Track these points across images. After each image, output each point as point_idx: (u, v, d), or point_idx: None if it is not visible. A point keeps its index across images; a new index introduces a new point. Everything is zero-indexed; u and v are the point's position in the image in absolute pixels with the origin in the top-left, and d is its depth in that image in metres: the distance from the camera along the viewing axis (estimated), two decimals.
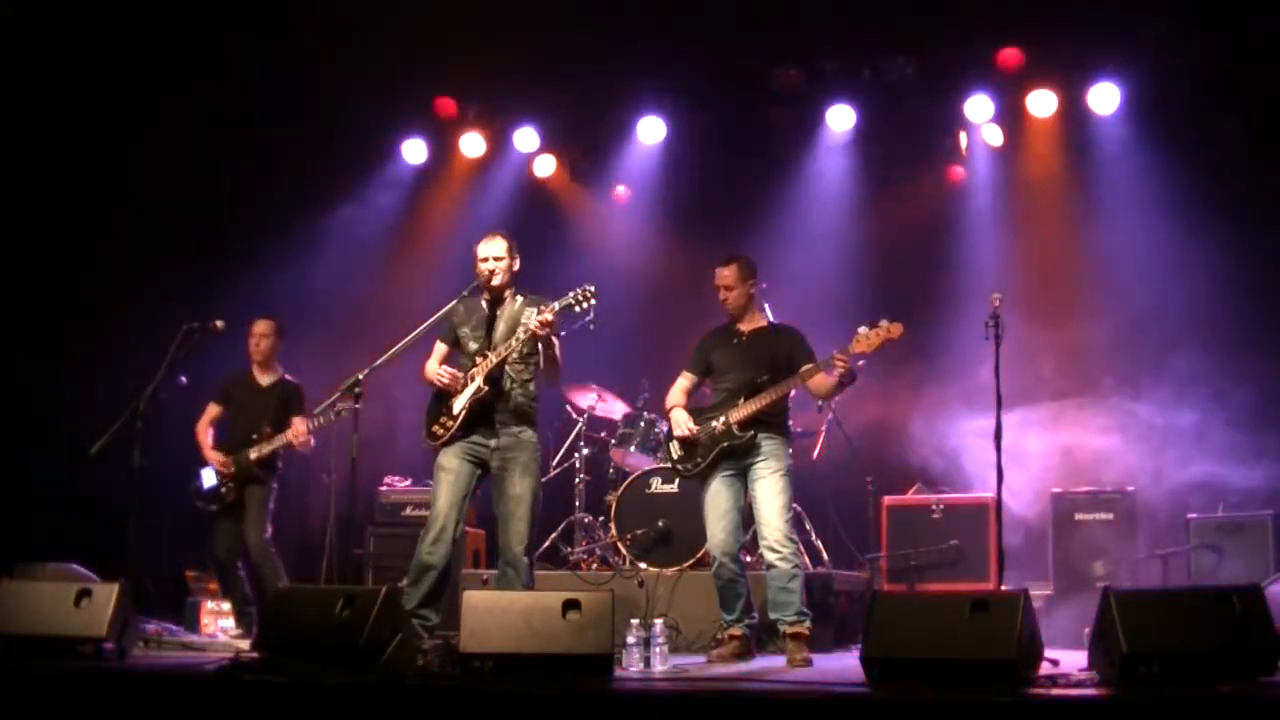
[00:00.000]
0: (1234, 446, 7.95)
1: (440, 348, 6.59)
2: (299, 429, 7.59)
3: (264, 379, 7.95)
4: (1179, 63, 8.76)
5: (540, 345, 6.27)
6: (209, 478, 7.79)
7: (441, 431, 6.39)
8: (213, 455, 7.79)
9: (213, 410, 7.96)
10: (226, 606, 7.95)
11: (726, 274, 6.65)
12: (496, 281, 6.43)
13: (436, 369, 6.47)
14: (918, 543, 8.33)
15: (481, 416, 6.36)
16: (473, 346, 6.46)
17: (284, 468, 7.93)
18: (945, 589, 7.76)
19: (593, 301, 6.20)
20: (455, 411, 6.36)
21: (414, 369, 6.70)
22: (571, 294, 6.22)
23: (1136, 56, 8.91)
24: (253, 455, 7.68)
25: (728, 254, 6.74)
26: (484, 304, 6.53)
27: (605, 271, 9.61)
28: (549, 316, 6.16)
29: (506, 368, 6.36)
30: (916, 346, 8.58)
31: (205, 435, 7.89)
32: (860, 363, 6.64)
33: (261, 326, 7.96)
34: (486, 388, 6.31)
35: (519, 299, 6.50)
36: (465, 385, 6.34)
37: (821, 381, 6.48)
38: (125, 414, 7.04)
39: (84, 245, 9.11)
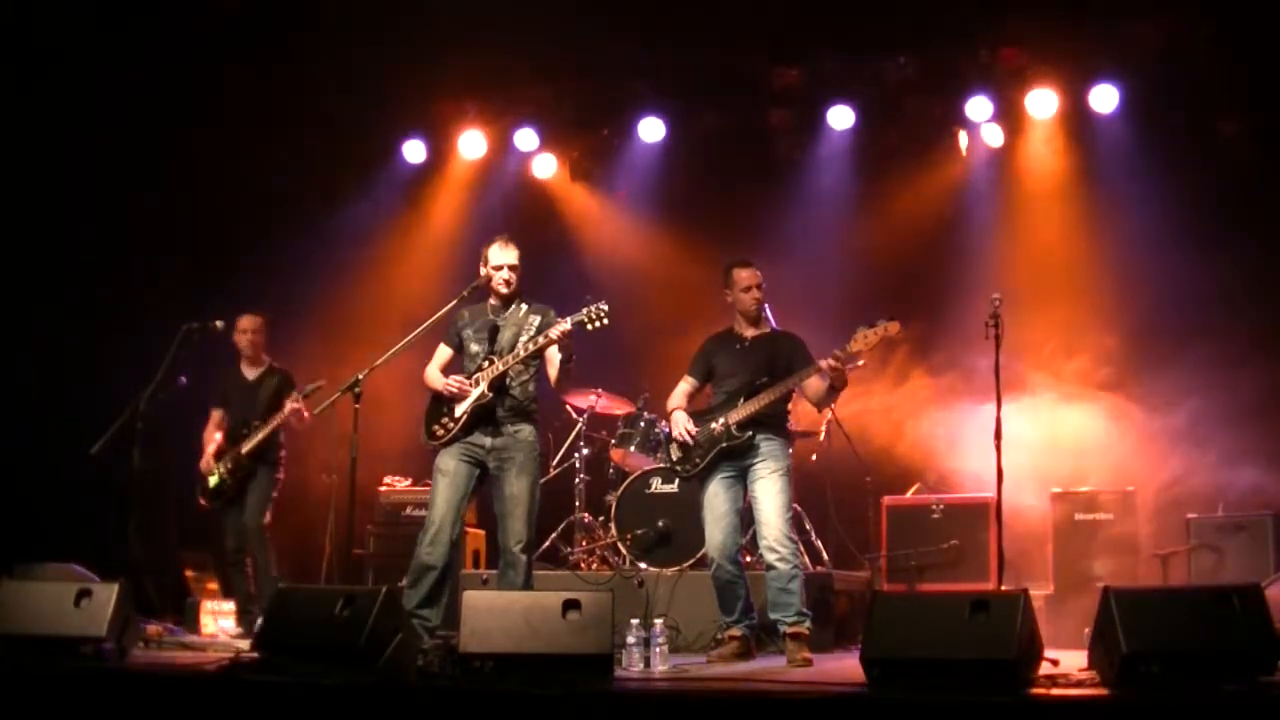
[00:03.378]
0: (1234, 446, 7.94)
1: (444, 351, 6.60)
2: (287, 408, 7.64)
3: (251, 372, 8.01)
4: (1179, 63, 8.76)
5: (559, 354, 6.28)
6: (212, 479, 7.85)
7: (442, 432, 6.41)
8: (207, 463, 7.83)
9: (216, 415, 8.01)
10: (227, 606, 7.95)
11: (755, 275, 6.66)
12: (511, 290, 6.45)
13: (441, 378, 6.47)
14: (918, 543, 8.33)
15: (481, 418, 6.38)
16: (475, 349, 6.47)
17: (285, 455, 7.95)
18: (945, 589, 7.76)
19: (606, 322, 6.18)
20: (457, 414, 6.37)
21: (414, 368, 6.70)
22: (585, 311, 6.19)
23: (1136, 56, 8.90)
24: (244, 449, 7.74)
25: (741, 257, 6.77)
26: (490, 309, 6.54)
27: (605, 271, 9.65)
28: (569, 328, 6.17)
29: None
30: (916, 346, 8.61)
31: (209, 441, 7.92)
32: (860, 362, 6.64)
33: (251, 322, 7.97)
34: (490, 395, 6.33)
35: (524, 306, 6.51)
36: (469, 391, 6.36)
37: (816, 386, 6.48)
38: (125, 414, 7.04)
39: (84, 245, 9.12)
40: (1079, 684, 4.67)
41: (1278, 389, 8.15)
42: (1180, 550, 7.90)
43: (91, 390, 8.24)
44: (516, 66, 9.52)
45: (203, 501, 7.90)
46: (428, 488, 6.88)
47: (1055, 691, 4.54)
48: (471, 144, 10.31)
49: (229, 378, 8.04)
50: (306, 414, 7.67)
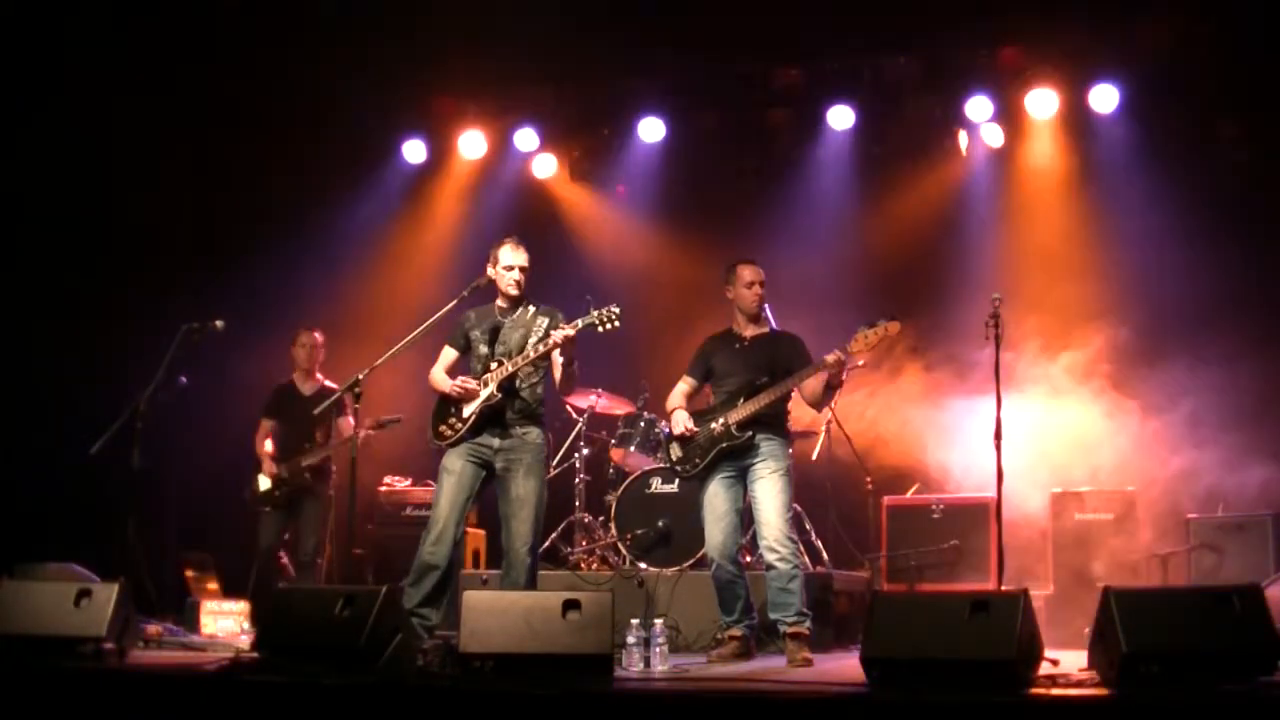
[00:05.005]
0: (1234, 446, 7.94)
1: (449, 353, 6.58)
2: (346, 430, 7.87)
3: (307, 388, 8.29)
4: (1179, 63, 8.76)
5: (560, 358, 6.28)
6: (264, 482, 8.12)
7: (449, 433, 6.40)
8: (269, 467, 8.12)
9: (266, 425, 8.31)
10: (227, 606, 7.95)
11: (758, 273, 6.68)
12: (519, 292, 6.45)
13: (447, 379, 6.46)
14: (918, 543, 8.33)
15: (489, 419, 6.37)
16: (484, 350, 6.46)
17: (335, 471, 8.16)
18: (945, 589, 7.76)
19: (617, 324, 6.18)
20: (465, 415, 6.36)
21: (414, 368, 6.69)
22: (595, 313, 6.19)
23: (1136, 56, 8.91)
24: (304, 462, 8.04)
25: (744, 256, 6.78)
26: (497, 310, 6.53)
27: (605, 271, 9.66)
28: (571, 333, 6.17)
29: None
30: (916, 346, 8.60)
31: (263, 447, 8.22)
32: (860, 361, 6.63)
33: (314, 338, 8.35)
34: (499, 395, 6.32)
35: (531, 307, 6.50)
36: (477, 392, 6.35)
37: (814, 386, 6.48)
38: (125, 414, 7.04)
39: (84, 245, 9.11)
40: (1079, 684, 4.66)
41: (1278, 389, 8.15)
42: (1180, 550, 7.90)
43: (91, 390, 8.24)
44: (516, 66, 9.51)
45: (251, 504, 8.18)
46: (428, 487, 6.90)
47: (1055, 691, 4.54)
48: (471, 144, 10.31)
49: (282, 392, 8.34)
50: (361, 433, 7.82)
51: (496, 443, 6.36)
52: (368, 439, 7.98)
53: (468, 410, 6.36)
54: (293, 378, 8.38)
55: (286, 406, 8.25)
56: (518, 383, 6.38)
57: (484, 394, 6.34)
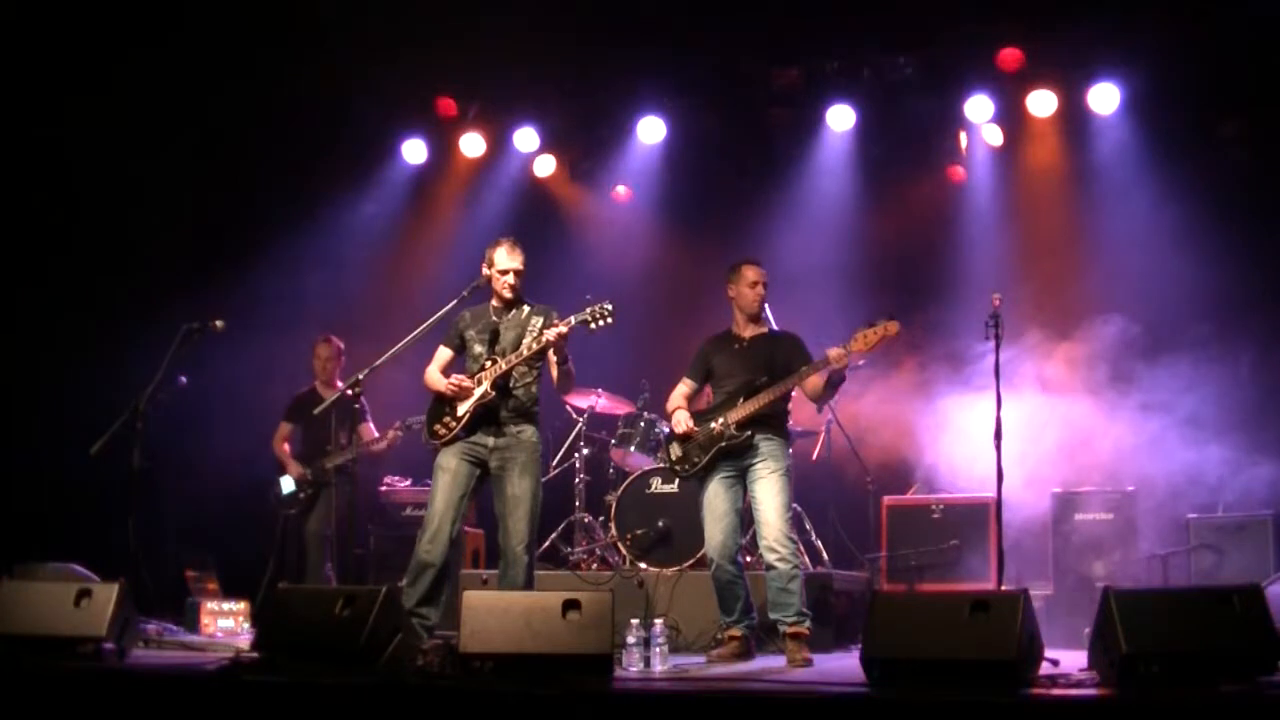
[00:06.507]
0: (1234, 446, 7.94)
1: (444, 353, 6.58)
2: (369, 435, 8.24)
3: (327, 393, 8.43)
4: (1179, 63, 8.76)
5: (554, 356, 6.27)
6: (287, 484, 8.37)
7: (444, 432, 6.40)
8: (294, 467, 8.41)
9: (285, 429, 8.60)
10: (227, 606, 7.97)
11: (761, 273, 6.69)
12: (514, 294, 6.45)
13: (442, 378, 6.46)
14: (918, 543, 8.33)
15: (484, 418, 6.37)
16: (478, 349, 6.46)
17: (361, 469, 8.15)
18: (945, 589, 7.76)
19: (610, 320, 6.17)
20: (459, 414, 6.36)
21: (415, 368, 6.69)
22: (589, 310, 6.18)
23: (1136, 56, 8.90)
24: (329, 464, 8.26)
25: (748, 257, 6.79)
26: (492, 310, 6.53)
27: (605, 271, 9.66)
28: (564, 330, 6.16)
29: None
30: (916, 346, 8.61)
31: (283, 449, 8.51)
32: (860, 362, 6.63)
33: (330, 349, 8.62)
34: (493, 393, 6.32)
35: (526, 308, 6.50)
36: (472, 390, 6.35)
37: (815, 384, 6.49)
38: (125, 414, 7.05)
39: (84, 245, 9.12)
40: (1079, 684, 4.67)
41: (1278, 388, 8.15)
42: (1180, 550, 7.90)
43: (91, 390, 8.25)
44: (516, 66, 9.51)
45: (277, 508, 8.40)
46: (428, 487, 6.89)
47: (1055, 691, 4.55)
48: (471, 144, 10.31)
49: (304, 398, 8.55)
50: (384, 443, 8.32)
51: (491, 441, 6.35)
52: (394, 439, 8.27)
53: (462, 409, 6.36)
54: (315, 384, 8.61)
55: (309, 412, 8.28)
56: (512, 382, 6.37)
57: (478, 393, 6.33)
